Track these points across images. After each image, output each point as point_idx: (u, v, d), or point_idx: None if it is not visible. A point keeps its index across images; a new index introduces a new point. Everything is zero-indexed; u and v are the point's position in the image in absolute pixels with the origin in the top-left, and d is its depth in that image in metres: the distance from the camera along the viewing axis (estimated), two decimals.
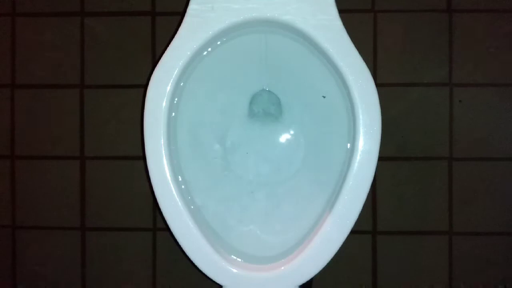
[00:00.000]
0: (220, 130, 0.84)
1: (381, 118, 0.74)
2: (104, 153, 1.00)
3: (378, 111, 0.74)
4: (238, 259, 0.77)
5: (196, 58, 0.78)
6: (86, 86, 1.00)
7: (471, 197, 0.97)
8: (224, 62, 0.82)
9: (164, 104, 0.75)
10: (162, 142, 0.75)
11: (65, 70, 1.00)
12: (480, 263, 0.97)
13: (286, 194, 0.83)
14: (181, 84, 0.78)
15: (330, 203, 0.76)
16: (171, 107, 0.76)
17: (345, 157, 0.78)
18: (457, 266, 0.97)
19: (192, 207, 0.78)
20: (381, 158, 0.75)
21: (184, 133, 0.80)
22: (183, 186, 0.77)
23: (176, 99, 0.78)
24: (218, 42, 0.80)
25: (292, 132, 0.84)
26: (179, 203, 0.75)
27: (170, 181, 0.75)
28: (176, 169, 0.77)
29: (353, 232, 0.74)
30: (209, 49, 0.80)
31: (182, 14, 0.78)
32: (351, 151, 0.75)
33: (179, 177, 0.77)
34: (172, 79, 0.76)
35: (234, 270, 0.74)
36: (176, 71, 0.76)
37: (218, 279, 0.75)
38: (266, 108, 0.85)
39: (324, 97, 0.80)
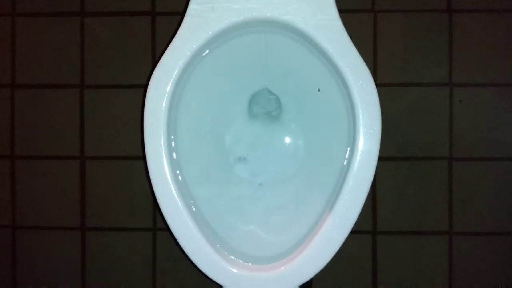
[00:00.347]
0: (220, 130, 0.84)
1: (381, 118, 0.74)
2: (104, 153, 1.00)
3: (378, 111, 0.74)
4: (238, 259, 0.77)
5: (196, 58, 0.78)
6: (86, 86, 1.00)
7: (471, 197, 0.97)
8: (224, 62, 0.82)
9: (164, 104, 0.75)
10: (162, 142, 0.75)
11: (65, 70, 1.00)
12: (480, 263, 0.97)
13: (286, 194, 0.83)
14: (181, 84, 0.78)
15: (330, 203, 0.76)
16: (171, 107, 0.76)
17: (345, 157, 0.78)
18: (457, 266, 0.97)
19: (192, 207, 0.78)
20: (381, 158, 0.75)
21: (184, 133, 0.80)
22: (183, 186, 0.77)
23: (176, 99, 0.78)
24: (218, 42, 0.80)
25: (292, 132, 0.84)
26: (179, 203, 0.75)
27: (170, 181, 0.75)
28: (176, 169, 0.77)
29: (353, 232, 0.74)
30: (209, 49, 0.80)
31: (182, 14, 0.78)
32: (351, 151, 0.75)
33: (179, 177, 0.77)
34: (172, 79, 0.76)
35: (234, 270, 0.74)
36: (176, 71, 0.76)
37: (218, 279, 0.75)
38: (266, 108, 0.85)
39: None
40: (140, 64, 0.99)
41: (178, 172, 0.77)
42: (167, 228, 0.84)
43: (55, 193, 1.00)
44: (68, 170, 1.00)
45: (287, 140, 0.85)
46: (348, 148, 0.78)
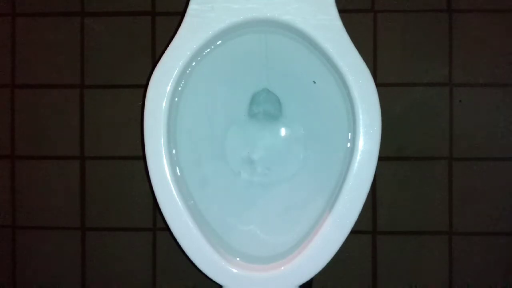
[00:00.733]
0: (220, 130, 0.84)
1: (381, 118, 0.74)
2: (104, 153, 1.00)
3: (378, 111, 0.74)
4: (238, 259, 0.77)
5: (196, 58, 0.78)
6: (86, 86, 1.00)
7: (471, 197, 0.97)
8: (224, 62, 0.82)
9: (164, 104, 0.75)
10: (162, 142, 0.75)
11: (65, 70, 1.00)
12: (480, 263, 0.97)
13: (286, 194, 0.83)
14: (181, 84, 0.78)
15: (330, 203, 0.76)
16: (171, 107, 0.76)
17: (345, 157, 0.78)
18: (457, 266, 0.97)
19: (192, 207, 0.78)
20: (381, 158, 0.75)
21: (184, 133, 0.80)
22: (183, 186, 0.77)
23: (176, 99, 0.78)
24: (218, 42, 0.80)
25: (292, 132, 0.84)
26: (179, 203, 0.75)
27: (170, 181, 0.75)
28: (176, 169, 0.77)
29: (353, 232, 0.74)
30: (209, 49, 0.80)
31: (182, 14, 0.78)
32: (351, 151, 0.75)
33: (179, 177, 0.77)
34: (172, 79, 0.76)
35: (234, 270, 0.74)
36: (176, 71, 0.76)
37: (218, 279, 0.75)
38: (266, 108, 0.85)
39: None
40: (140, 64, 0.99)
41: (178, 172, 0.77)
42: (167, 228, 0.84)
43: (55, 193, 1.00)
44: (68, 170, 1.00)
45: (287, 140, 0.85)
46: (348, 148, 0.78)
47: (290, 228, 0.81)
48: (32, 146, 1.00)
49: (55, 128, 1.00)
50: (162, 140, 0.75)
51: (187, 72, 0.78)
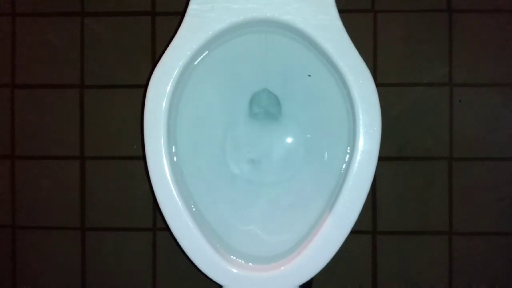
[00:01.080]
0: (220, 129, 0.84)
1: (381, 118, 0.74)
2: (104, 153, 1.00)
3: (378, 111, 0.74)
4: (238, 259, 0.77)
5: (196, 58, 0.78)
6: (86, 86, 1.00)
7: (471, 197, 0.97)
8: (224, 62, 0.82)
9: (164, 104, 0.75)
10: (162, 142, 0.75)
11: (65, 70, 1.00)
12: (480, 263, 0.97)
13: (286, 194, 0.83)
14: (181, 84, 0.78)
15: (330, 203, 0.76)
16: (171, 107, 0.76)
17: (345, 157, 0.78)
18: (457, 266, 0.97)
19: (192, 207, 0.78)
20: (381, 158, 0.75)
21: (184, 133, 0.80)
22: (183, 186, 0.77)
23: (176, 99, 0.78)
24: (218, 42, 0.80)
25: (292, 132, 0.84)
26: (179, 203, 0.75)
27: (170, 181, 0.75)
28: (176, 169, 0.77)
29: (353, 232, 0.74)
30: (209, 49, 0.80)
31: (182, 14, 0.78)
32: (351, 151, 0.75)
33: (179, 177, 0.77)
34: (172, 79, 0.76)
35: (234, 270, 0.74)
36: (176, 71, 0.76)
37: (218, 279, 0.75)
38: (266, 108, 0.85)
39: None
40: (140, 64, 0.99)
41: (178, 172, 0.77)
42: (167, 228, 0.84)
43: (55, 193, 1.00)
44: (68, 170, 1.00)
45: (287, 140, 0.85)
46: (348, 148, 0.78)
47: (290, 228, 0.81)
48: (32, 146, 1.00)
49: (55, 128, 1.00)
50: (162, 140, 0.75)
51: (187, 72, 0.78)
